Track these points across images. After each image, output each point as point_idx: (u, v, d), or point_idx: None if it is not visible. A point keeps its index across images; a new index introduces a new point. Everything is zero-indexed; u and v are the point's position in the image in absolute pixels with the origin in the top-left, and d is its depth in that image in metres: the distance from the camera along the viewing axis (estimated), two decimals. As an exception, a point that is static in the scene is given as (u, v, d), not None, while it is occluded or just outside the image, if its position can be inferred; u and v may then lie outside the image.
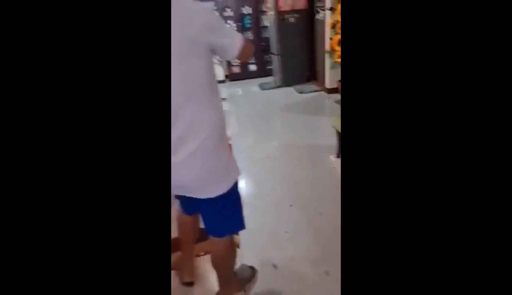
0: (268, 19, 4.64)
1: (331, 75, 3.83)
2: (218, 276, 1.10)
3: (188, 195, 0.91)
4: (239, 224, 1.00)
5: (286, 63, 4.38)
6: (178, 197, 1.08)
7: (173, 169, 0.77)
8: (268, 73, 4.99)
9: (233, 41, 0.81)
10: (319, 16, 4.16)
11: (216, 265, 1.07)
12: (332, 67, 3.64)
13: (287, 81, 4.43)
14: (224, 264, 1.07)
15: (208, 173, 0.84)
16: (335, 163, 2.20)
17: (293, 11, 4.18)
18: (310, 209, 1.73)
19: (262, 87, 4.63)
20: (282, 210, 1.76)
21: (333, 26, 3.47)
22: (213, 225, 0.97)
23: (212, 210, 0.93)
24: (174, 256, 1.24)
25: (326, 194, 1.87)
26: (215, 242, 1.01)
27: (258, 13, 4.97)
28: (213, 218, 0.95)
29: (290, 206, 1.78)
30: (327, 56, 3.73)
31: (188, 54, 0.74)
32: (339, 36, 3.35)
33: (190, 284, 1.23)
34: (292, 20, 4.22)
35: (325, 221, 1.63)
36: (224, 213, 0.94)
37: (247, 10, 5.11)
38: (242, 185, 2.01)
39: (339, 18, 3.26)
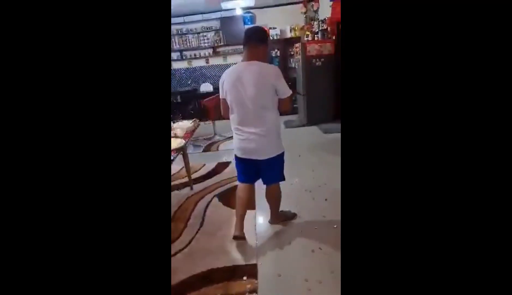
0: (296, 62, 4.88)
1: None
2: (272, 209, 1.95)
3: (258, 157, 1.68)
4: (283, 176, 1.83)
5: (312, 102, 4.51)
6: (245, 169, 1.78)
7: (251, 140, 1.62)
8: (294, 111, 5.15)
9: (287, 90, 1.62)
10: (345, 60, 4.33)
11: (271, 200, 1.90)
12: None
13: (312, 120, 4.53)
14: (276, 200, 1.91)
15: (272, 143, 1.67)
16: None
17: (320, 55, 4.39)
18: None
19: (287, 125, 4.76)
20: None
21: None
22: (270, 175, 1.78)
23: (271, 165, 1.71)
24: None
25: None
26: (272, 187, 1.84)
27: (286, 55, 5.28)
28: (271, 170, 1.75)
29: (314, 250, 1.76)
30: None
31: (268, 88, 1.56)
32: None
33: (242, 238, 1.82)
34: (318, 63, 4.42)
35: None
36: (277, 168, 1.77)
37: (275, 53, 5.46)
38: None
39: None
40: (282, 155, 1.75)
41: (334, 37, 4.42)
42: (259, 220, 2.10)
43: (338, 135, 4.00)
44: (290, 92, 1.63)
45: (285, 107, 1.68)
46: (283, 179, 1.83)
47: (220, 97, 1.68)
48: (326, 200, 2.32)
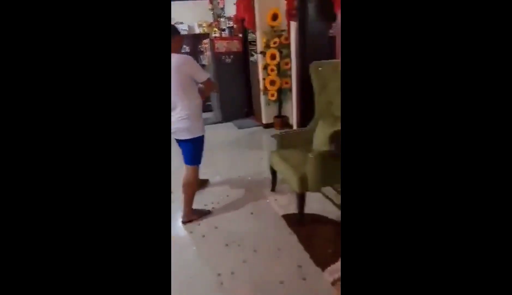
0: (206, 58, 4.84)
1: (267, 111, 4.10)
2: (185, 197, 1.99)
3: (179, 137, 1.89)
4: (198, 160, 1.99)
5: (225, 100, 4.57)
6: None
7: (174, 122, 1.81)
8: (208, 109, 5.11)
9: (203, 75, 1.83)
10: (252, 58, 4.52)
11: (183, 187, 1.96)
12: (267, 104, 3.92)
13: (226, 117, 4.60)
14: (188, 187, 1.97)
15: (189, 125, 1.83)
16: (270, 196, 2.32)
17: (229, 52, 4.46)
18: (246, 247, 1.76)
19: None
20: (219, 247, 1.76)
21: (265, 68, 3.80)
22: (186, 156, 1.93)
23: (188, 146, 1.90)
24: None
25: (261, 228, 1.94)
26: (187, 171, 1.96)
27: (196, 53, 5.17)
28: (187, 151, 1.92)
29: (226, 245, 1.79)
30: (262, 94, 4.02)
31: (184, 78, 1.75)
32: (271, 77, 3.67)
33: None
34: (228, 60, 4.49)
35: (259, 259, 1.67)
36: (193, 150, 1.92)
37: (184, 49, 5.27)
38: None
39: (269, 61, 3.60)
40: (199, 138, 1.92)
41: (240, 35, 4.55)
42: (174, 223, 2.02)
43: (252, 130, 4.19)
44: (207, 75, 1.84)
45: (208, 89, 1.98)
46: (198, 163, 1.98)
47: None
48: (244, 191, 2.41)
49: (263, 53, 3.79)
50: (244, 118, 4.72)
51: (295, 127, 3.70)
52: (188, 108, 1.80)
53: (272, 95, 3.76)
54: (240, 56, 4.50)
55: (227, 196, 2.39)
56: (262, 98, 4.04)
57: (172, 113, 1.79)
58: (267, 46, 3.68)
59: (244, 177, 2.70)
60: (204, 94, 1.94)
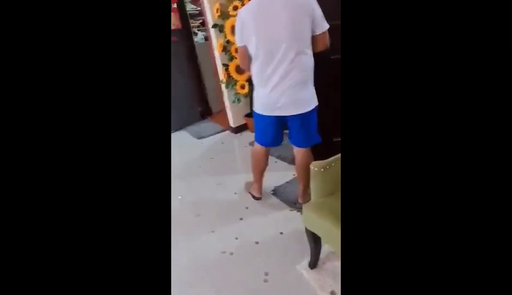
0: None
1: (234, 110, 2.96)
2: (304, 179, 1.60)
3: (295, 112, 1.36)
4: (318, 137, 1.53)
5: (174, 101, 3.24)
6: (270, 129, 1.48)
7: (273, 97, 1.33)
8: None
9: (324, 23, 1.30)
10: (198, 38, 3.25)
11: (304, 170, 1.52)
12: (234, 100, 2.77)
13: (176, 123, 3.28)
14: (308, 170, 1.24)
15: (311, 93, 1.39)
16: (308, 276, 1.28)
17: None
18: None
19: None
20: None
21: (224, 49, 2.60)
22: (307, 134, 1.47)
23: (308, 120, 1.42)
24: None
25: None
26: (306, 151, 1.53)
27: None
28: (307, 128, 1.44)
29: None
30: (224, 88, 2.84)
31: (305, 22, 1.24)
32: (236, 62, 2.49)
33: (259, 198, 1.80)
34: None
35: None
36: (314, 124, 1.47)
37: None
38: None
39: (231, 38, 2.41)
40: (315, 111, 1.44)
41: (175, 6, 3.18)
42: None
43: (216, 138, 2.99)
44: (327, 25, 1.30)
45: (324, 46, 1.35)
46: (320, 139, 1.53)
47: (239, 45, 1.36)
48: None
49: (217, 27, 2.58)
50: (200, 121, 3.49)
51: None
52: (310, 68, 1.34)
53: (242, 87, 2.61)
54: (182, 35, 3.17)
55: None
56: (226, 92, 2.86)
57: (279, 79, 1.29)
58: (224, 15, 2.47)
59: (242, 243, 1.59)
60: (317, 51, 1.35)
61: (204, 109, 3.58)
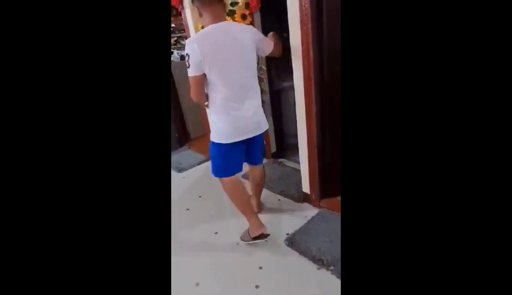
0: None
1: (221, 137, 2.59)
2: (259, 193, 1.83)
3: (260, 131, 1.48)
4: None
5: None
6: (237, 155, 1.49)
7: (247, 118, 1.39)
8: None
9: (269, 41, 1.44)
10: (173, 57, 2.86)
11: (261, 181, 1.75)
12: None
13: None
14: (263, 183, 1.78)
15: (263, 115, 1.51)
16: None
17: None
18: None
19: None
20: None
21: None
22: (260, 151, 1.63)
23: (261, 139, 1.58)
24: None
25: None
26: (260, 166, 1.70)
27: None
28: (261, 145, 1.62)
29: None
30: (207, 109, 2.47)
31: (254, 51, 1.37)
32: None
33: (267, 235, 1.59)
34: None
35: None
36: (263, 143, 1.69)
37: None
38: None
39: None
40: None
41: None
42: None
43: (201, 170, 2.58)
44: (272, 42, 1.44)
45: (279, 51, 1.50)
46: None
47: (195, 74, 1.28)
48: None
49: None
50: (178, 149, 3.05)
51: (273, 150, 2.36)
52: (259, 92, 1.45)
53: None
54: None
55: None
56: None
57: (249, 105, 1.37)
58: None
59: None
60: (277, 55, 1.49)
61: (181, 135, 3.15)
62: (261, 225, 1.56)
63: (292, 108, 2.68)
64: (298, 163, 2.45)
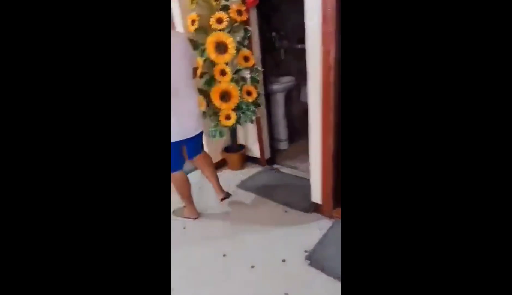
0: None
1: (210, 144, 2.38)
2: (213, 176, 2.02)
3: (196, 133, 1.68)
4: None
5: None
6: (180, 152, 1.70)
7: (188, 120, 1.60)
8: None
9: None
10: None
11: (211, 167, 2.00)
12: (215, 135, 2.19)
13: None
14: (212, 165, 2.01)
15: (200, 118, 1.73)
16: None
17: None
18: None
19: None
20: None
21: (202, 76, 2.03)
22: (200, 144, 1.87)
23: (200, 137, 1.80)
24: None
25: None
26: (205, 154, 1.95)
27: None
28: (200, 139, 1.83)
29: None
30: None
31: (190, 60, 1.59)
32: (221, 87, 1.96)
33: (197, 217, 1.94)
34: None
35: None
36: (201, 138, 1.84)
37: None
38: None
39: (218, 58, 1.87)
40: None
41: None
42: None
43: (192, 181, 2.32)
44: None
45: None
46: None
47: None
48: None
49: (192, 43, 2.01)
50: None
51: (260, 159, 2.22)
52: (196, 96, 1.66)
53: (227, 117, 2.08)
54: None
55: None
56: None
57: (189, 108, 1.60)
58: (204, 29, 1.94)
59: None
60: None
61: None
62: (195, 212, 1.91)
63: (281, 112, 2.58)
64: (296, 169, 2.36)
